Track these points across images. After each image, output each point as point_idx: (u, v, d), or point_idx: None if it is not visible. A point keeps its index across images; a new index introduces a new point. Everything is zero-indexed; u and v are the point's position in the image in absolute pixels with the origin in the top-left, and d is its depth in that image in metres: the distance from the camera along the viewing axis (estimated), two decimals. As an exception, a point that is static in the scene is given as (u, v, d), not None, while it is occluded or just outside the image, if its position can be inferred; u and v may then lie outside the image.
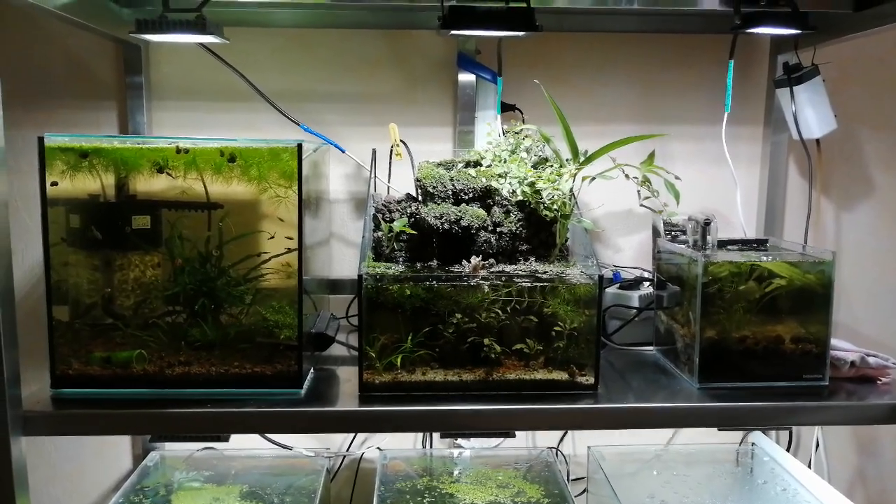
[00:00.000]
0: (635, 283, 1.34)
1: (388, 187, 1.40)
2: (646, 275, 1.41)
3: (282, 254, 1.04)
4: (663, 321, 1.21)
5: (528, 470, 1.39)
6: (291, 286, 1.04)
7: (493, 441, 1.50)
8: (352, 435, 1.49)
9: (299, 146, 1.01)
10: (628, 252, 1.51)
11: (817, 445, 1.45)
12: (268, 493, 1.28)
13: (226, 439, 1.10)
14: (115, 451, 1.47)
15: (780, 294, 1.07)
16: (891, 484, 1.38)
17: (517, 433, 1.52)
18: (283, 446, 1.41)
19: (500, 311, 1.07)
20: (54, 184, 1.00)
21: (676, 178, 1.20)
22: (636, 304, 1.28)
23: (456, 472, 1.38)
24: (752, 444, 1.50)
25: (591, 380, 1.06)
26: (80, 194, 1.01)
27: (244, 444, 1.44)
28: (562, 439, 1.53)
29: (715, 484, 1.35)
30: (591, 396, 1.04)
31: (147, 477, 1.34)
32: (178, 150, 1.01)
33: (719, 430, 1.21)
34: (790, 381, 1.07)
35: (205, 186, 1.03)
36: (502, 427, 1.03)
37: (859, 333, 1.30)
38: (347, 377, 1.10)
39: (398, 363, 1.05)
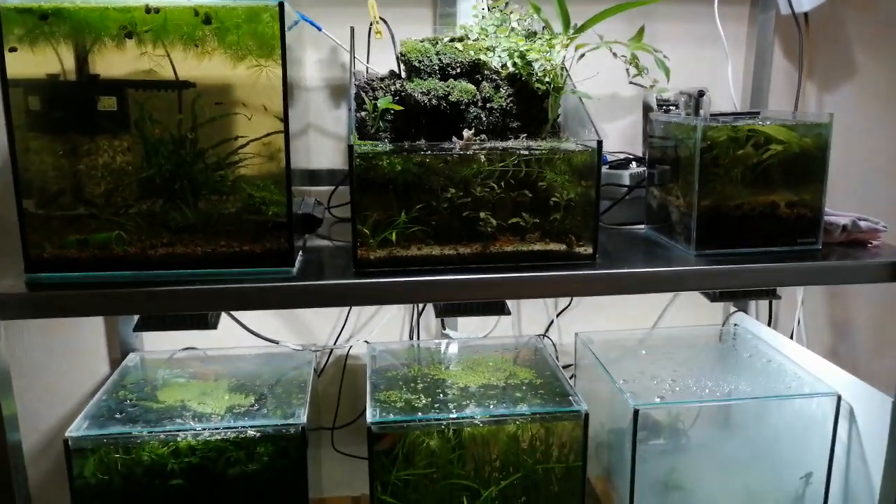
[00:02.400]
0: (624, 164, 1.32)
1: (367, 68, 1.34)
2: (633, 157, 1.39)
3: (269, 135, 0.98)
4: (656, 196, 1.19)
5: (516, 356, 1.39)
6: (275, 168, 0.99)
7: (482, 332, 1.50)
8: (338, 330, 1.47)
9: (281, 5, 0.94)
10: (613, 137, 1.48)
11: (798, 322, 1.48)
12: (257, 385, 1.26)
13: (213, 325, 1.06)
14: (91, 356, 1.42)
15: (777, 159, 1.06)
16: (863, 363, 1.43)
17: (504, 322, 1.52)
18: (270, 340, 1.38)
19: (494, 185, 1.04)
20: (13, 49, 0.91)
21: (665, 56, 1.16)
22: (627, 182, 1.26)
23: (445, 361, 1.37)
24: (735, 324, 1.52)
25: (590, 250, 1.04)
26: (39, 73, 0.93)
27: (226, 343, 1.41)
28: (548, 327, 1.53)
29: (702, 360, 1.37)
30: (590, 266, 1.03)
31: (129, 375, 1.30)
32: (148, 10, 0.92)
33: (712, 300, 1.21)
34: (785, 246, 1.08)
35: (172, 64, 0.95)
36: (502, 296, 1.01)
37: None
38: (338, 262, 1.06)
39: (393, 238, 1.02)
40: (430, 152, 1.01)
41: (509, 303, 1.14)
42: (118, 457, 1.08)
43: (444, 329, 1.45)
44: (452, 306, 1.12)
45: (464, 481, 1.18)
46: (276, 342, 1.39)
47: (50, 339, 1.40)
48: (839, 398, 1.18)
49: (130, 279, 0.96)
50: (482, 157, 1.02)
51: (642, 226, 1.25)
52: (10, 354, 0.91)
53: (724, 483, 1.31)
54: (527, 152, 1.02)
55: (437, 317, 1.15)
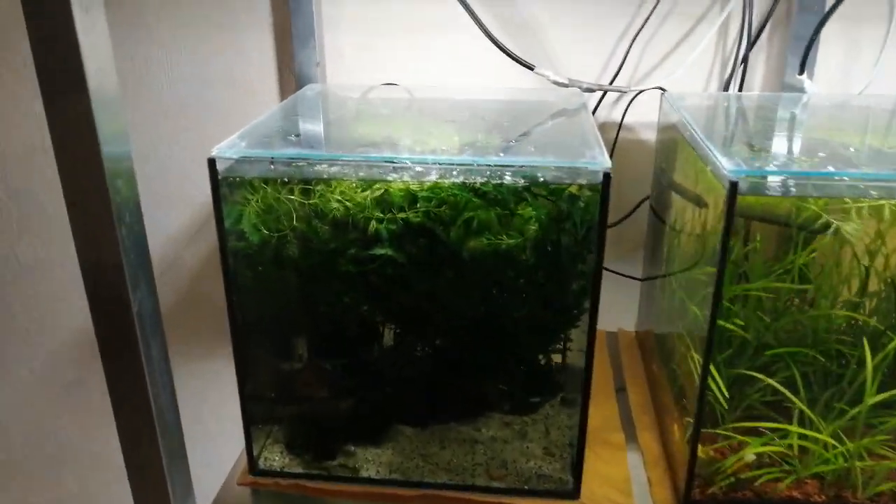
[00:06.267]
0: None
1: None
2: None
3: None
4: None
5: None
6: None
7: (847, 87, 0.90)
8: (612, 72, 0.93)
9: None
10: None
11: None
12: (506, 124, 0.77)
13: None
14: (255, 87, 1.00)
15: None
16: None
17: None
18: (524, 63, 0.86)
19: None
20: None
21: None
22: None
23: (800, 117, 0.82)
24: None
25: None
26: None
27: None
28: None
29: None
30: None
31: (306, 103, 0.85)
32: None
33: None
34: None
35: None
36: None
37: None
38: None
39: None
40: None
41: None
42: (290, 198, 0.65)
43: (802, 73, 0.86)
44: None
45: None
46: (531, 67, 0.86)
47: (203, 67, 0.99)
48: None
49: None
50: None
51: None
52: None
53: None
54: None
55: None
